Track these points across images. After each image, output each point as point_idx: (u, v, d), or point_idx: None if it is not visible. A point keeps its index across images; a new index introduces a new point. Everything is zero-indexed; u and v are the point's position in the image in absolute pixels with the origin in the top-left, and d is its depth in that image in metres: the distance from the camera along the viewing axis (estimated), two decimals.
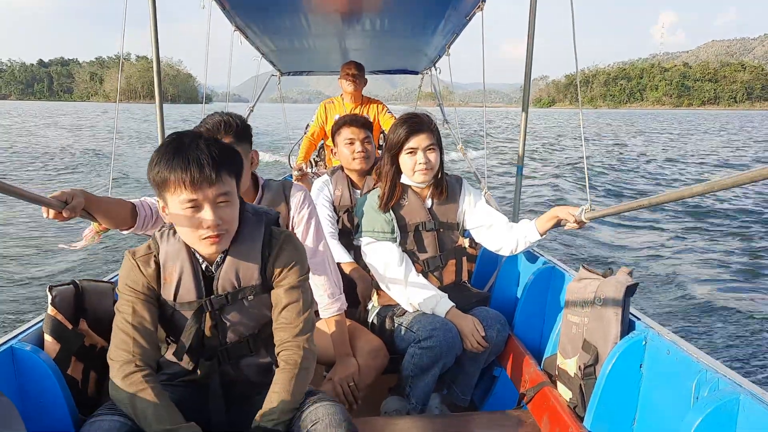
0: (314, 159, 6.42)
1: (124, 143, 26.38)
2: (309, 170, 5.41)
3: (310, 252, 2.53)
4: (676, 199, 1.73)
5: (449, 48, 5.92)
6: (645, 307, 5.98)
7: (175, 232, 1.74)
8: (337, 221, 3.43)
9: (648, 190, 14.99)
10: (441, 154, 2.69)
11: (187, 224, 1.62)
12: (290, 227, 2.59)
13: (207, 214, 1.60)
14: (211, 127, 2.33)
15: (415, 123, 2.61)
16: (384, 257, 2.66)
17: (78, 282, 2.15)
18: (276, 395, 1.66)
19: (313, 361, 1.77)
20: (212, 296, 1.75)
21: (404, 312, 2.68)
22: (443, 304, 2.58)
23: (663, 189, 14.91)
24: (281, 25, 4.98)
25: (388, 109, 5.38)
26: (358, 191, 3.43)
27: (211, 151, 1.60)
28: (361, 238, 2.78)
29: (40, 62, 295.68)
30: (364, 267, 2.97)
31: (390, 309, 2.76)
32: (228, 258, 1.75)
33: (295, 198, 2.59)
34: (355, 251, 3.33)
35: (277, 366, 1.75)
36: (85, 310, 2.12)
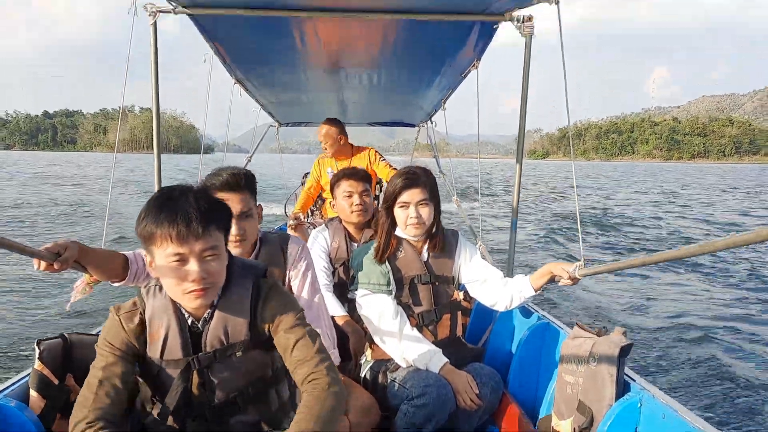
0: (311, 208, 6.41)
1: (126, 194, 26.33)
2: (305, 219, 5.38)
3: (305, 305, 2.48)
4: (669, 259, 1.70)
5: (445, 103, 6.00)
6: (640, 363, 5.86)
7: (161, 288, 1.69)
8: (333, 273, 3.39)
9: (646, 241, 14.96)
10: (437, 208, 2.68)
11: (173, 278, 1.57)
12: (287, 280, 2.56)
13: (193, 267, 1.56)
14: (220, 185, 2.30)
15: (410, 177, 2.61)
16: (379, 309, 2.61)
17: (66, 335, 2.11)
18: (297, 424, 1.51)
19: (343, 390, 1.63)
20: (200, 353, 1.69)
21: (398, 367, 2.61)
22: (437, 360, 2.52)
23: (659, 242, 14.84)
24: (280, 79, 5.05)
25: (382, 156, 5.32)
26: (356, 244, 3.41)
27: (200, 205, 1.57)
28: (356, 290, 2.73)
29: (45, 113, 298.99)
30: (358, 320, 2.92)
31: (383, 364, 2.70)
32: (216, 313, 1.70)
33: (292, 251, 2.57)
34: (349, 304, 3.29)
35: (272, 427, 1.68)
36: (72, 364, 2.07)
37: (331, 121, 5.12)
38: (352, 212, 3.38)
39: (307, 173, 6.35)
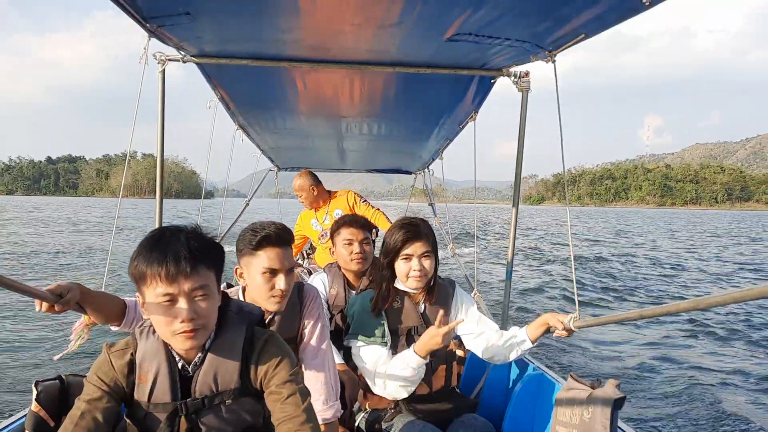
0: (306, 251, 6.40)
1: (129, 239, 26.23)
2: (299, 259, 5.37)
3: (313, 351, 2.46)
4: (662, 314, 1.71)
5: (442, 152, 6.05)
6: (633, 414, 5.78)
7: (154, 331, 1.67)
8: (330, 320, 3.36)
9: (640, 288, 14.88)
10: (436, 260, 2.67)
11: (162, 318, 1.56)
12: (301, 328, 2.52)
13: (182, 306, 1.54)
14: (275, 240, 2.26)
15: (412, 230, 2.60)
16: (373, 360, 2.58)
17: (64, 377, 2.09)
18: None
19: None
20: (188, 399, 1.66)
21: (392, 417, 2.58)
22: (409, 354, 2.48)
23: (654, 292, 14.69)
24: (281, 125, 5.12)
25: (362, 198, 5.30)
26: (354, 291, 3.38)
27: (190, 245, 1.57)
28: (351, 340, 2.70)
29: (48, 159, 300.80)
30: (354, 368, 2.89)
31: (378, 413, 2.66)
32: (207, 358, 1.68)
33: (308, 299, 2.55)
34: (344, 351, 3.25)
35: None
36: (69, 406, 2.02)
37: (302, 175, 5.19)
38: (351, 260, 3.36)
39: None
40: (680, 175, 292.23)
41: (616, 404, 1.96)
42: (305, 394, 1.69)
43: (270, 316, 2.45)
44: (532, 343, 2.58)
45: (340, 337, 3.30)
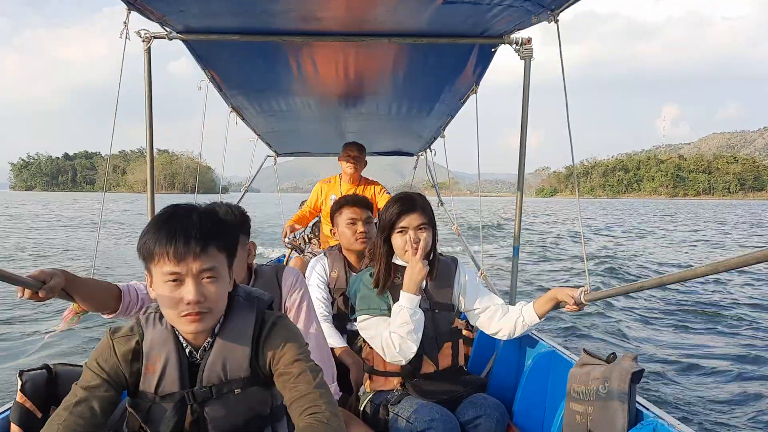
0: (308, 236, 6.29)
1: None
2: (302, 245, 5.24)
3: None
4: (678, 280, 1.58)
5: (444, 130, 5.91)
6: (651, 391, 5.62)
7: (162, 317, 1.58)
8: (332, 304, 3.27)
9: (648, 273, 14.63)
10: (434, 234, 2.56)
11: (168, 299, 1.47)
12: (283, 311, 2.46)
13: (189, 289, 1.46)
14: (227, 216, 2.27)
15: (407, 202, 2.50)
16: (380, 332, 2.47)
17: (51, 366, 1.98)
18: None
19: (343, 427, 1.50)
20: (195, 388, 1.57)
21: (399, 399, 2.46)
22: (401, 297, 2.43)
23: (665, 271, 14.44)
24: (276, 107, 5.00)
25: (386, 190, 5.24)
26: (355, 274, 3.29)
27: (203, 224, 1.48)
28: (355, 318, 2.60)
29: (66, 155, 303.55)
30: (358, 351, 2.79)
31: (383, 396, 2.54)
32: (216, 344, 1.59)
33: (287, 281, 2.50)
34: (348, 336, 3.15)
35: None
36: (57, 396, 1.93)
37: (358, 147, 5.06)
38: (356, 240, 3.29)
39: (303, 201, 6.27)
40: (693, 165, 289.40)
41: (634, 378, 1.83)
42: (316, 370, 1.59)
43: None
44: (540, 318, 2.50)
45: (342, 320, 3.22)
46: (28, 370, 1.90)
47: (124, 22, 2.78)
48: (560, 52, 2.78)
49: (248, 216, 2.43)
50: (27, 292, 1.66)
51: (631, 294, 8.18)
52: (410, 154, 7.92)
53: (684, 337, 7.95)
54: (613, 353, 2.01)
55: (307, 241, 5.97)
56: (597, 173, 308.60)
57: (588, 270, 2.61)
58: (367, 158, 5.26)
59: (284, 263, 6.05)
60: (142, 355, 1.57)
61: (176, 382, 1.57)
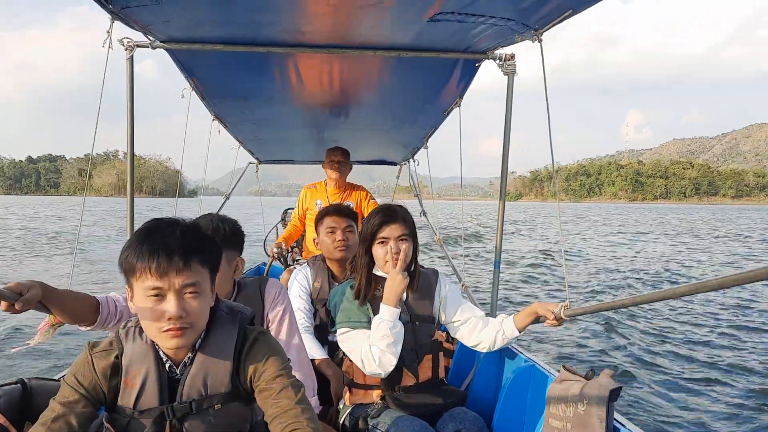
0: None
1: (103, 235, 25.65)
2: (286, 253, 5.14)
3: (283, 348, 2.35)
4: (659, 299, 1.60)
5: (427, 140, 5.90)
6: (627, 407, 5.63)
7: (141, 331, 1.55)
8: (314, 315, 3.24)
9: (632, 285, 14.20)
10: (415, 246, 2.55)
11: (149, 314, 1.45)
12: (265, 323, 2.43)
13: (170, 304, 1.43)
14: (215, 232, 2.23)
15: (388, 213, 2.48)
16: (360, 346, 2.43)
17: (26, 381, 1.93)
18: None
19: None
20: (175, 403, 1.54)
21: (379, 413, 2.44)
22: (381, 309, 2.39)
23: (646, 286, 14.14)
24: (259, 116, 4.91)
25: (372, 196, 5.14)
26: (338, 284, 3.27)
27: (185, 239, 1.46)
28: (336, 330, 2.56)
29: (29, 159, 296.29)
30: (339, 363, 2.76)
31: (363, 409, 2.52)
32: (196, 359, 1.56)
33: (270, 294, 2.46)
34: (329, 347, 3.12)
35: None
36: (32, 412, 1.88)
37: (342, 152, 4.95)
38: (335, 248, 3.25)
39: (288, 209, 6.13)
40: (651, 171, 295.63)
41: (612, 395, 1.85)
42: (298, 386, 1.58)
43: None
44: (519, 331, 2.50)
45: (324, 331, 3.19)
46: (2, 385, 1.85)
47: (107, 32, 2.71)
48: (543, 70, 2.81)
49: (241, 230, 2.38)
50: (3, 304, 1.61)
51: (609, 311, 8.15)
52: (393, 164, 7.84)
53: (663, 350, 7.94)
54: (591, 369, 2.03)
55: (289, 250, 5.84)
56: (560, 177, 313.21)
57: (569, 285, 2.63)
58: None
59: (266, 271, 5.97)
60: (121, 370, 1.54)
61: (155, 397, 1.54)
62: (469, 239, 27.08)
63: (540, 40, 2.76)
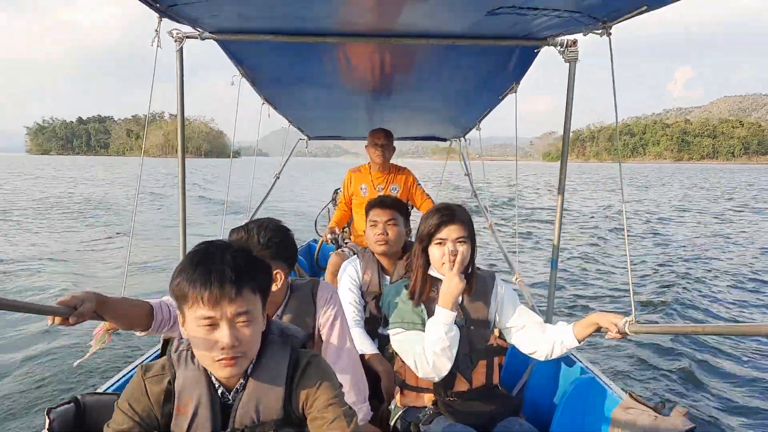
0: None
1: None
2: (338, 237, 5.09)
3: (335, 353, 2.32)
4: (738, 334, 1.46)
5: (480, 122, 5.72)
6: None
7: (193, 356, 1.52)
8: (364, 308, 3.19)
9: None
10: (473, 248, 2.44)
11: (202, 343, 1.42)
12: (316, 328, 2.38)
13: (223, 333, 1.39)
14: (247, 239, 2.18)
15: (447, 214, 2.38)
16: (413, 348, 2.37)
17: (80, 398, 1.92)
18: None
19: None
20: (227, 430, 1.51)
21: (431, 419, 2.39)
22: (436, 312, 2.33)
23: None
24: (309, 99, 4.87)
25: (418, 181, 5.00)
26: (388, 277, 3.21)
27: (237, 265, 1.42)
28: (389, 329, 2.50)
29: (79, 119, 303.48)
30: (390, 358, 2.71)
31: (414, 414, 2.47)
32: (248, 385, 1.52)
33: (322, 298, 2.39)
34: (379, 340, 3.07)
35: None
36: (88, 429, 1.87)
37: (386, 133, 4.81)
38: (375, 242, 3.20)
39: (338, 189, 6.07)
40: (698, 130, 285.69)
41: None
42: (350, 416, 1.54)
43: (277, 314, 2.32)
44: (579, 342, 2.38)
45: (374, 324, 3.14)
46: (56, 407, 1.84)
47: (156, 30, 2.63)
48: (612, 66, 2.60)
49: (290, 237, 2.29)
50: (57, 319, 1.61)
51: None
52: (443, 140, 7.66)
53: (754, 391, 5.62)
54: (661, 402, 1.91)
55: (340, 233, 5.70)
56: (603, 137, 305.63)
57: (634, 296, 2.43)
58: (398, 142, 5.03)
59: (316, 250, 5.92)
60: (173, 396, 1.52)
61: (208, 423, 1.51)
62: (510, 205, 25.74)
63: (609, 34, 2.55)
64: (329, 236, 4.75)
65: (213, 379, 1.53)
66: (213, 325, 1.40)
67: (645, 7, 2.22)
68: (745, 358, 6.12)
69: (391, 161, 4.99)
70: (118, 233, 15.05)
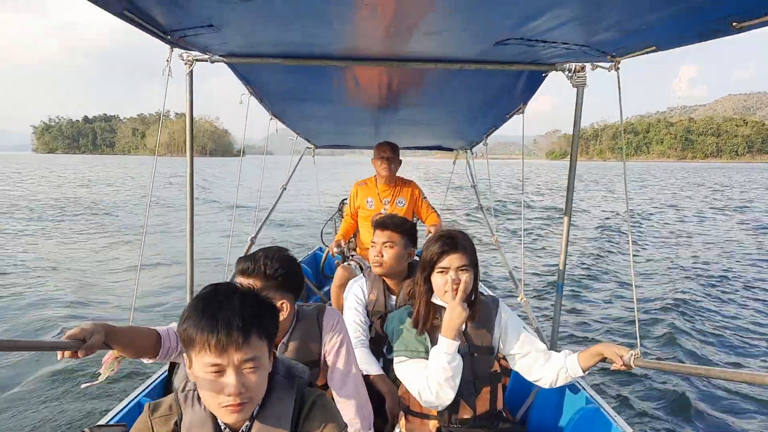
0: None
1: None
2: (345, 250, 5.10)
3: (340, 379, 2.33)
4: (747, 382, 1.46)
5: (486, 138, 5.71)
6: None
7: (200, 398, 1.52)
8: (370, 327, 3.18)
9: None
10: (476, 275, 2.43)
11: (209, 389, 1.41)
12: (322, 354, 2.39)
13: (230, 380, 1.39)
14: (254, 270, 2.18)
15: (449, 242, 2.37)
16: (417, 377, 2.38)
17: (87, 431, 1.93)
18: None
19: None
20: None
21: None
22: (439, 342, 2.33)
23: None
24: (316, 115, 4.90)
25: (424, 195, 4.99)
26: (394, 297, 3.19)
27: (244, 311, 1.41)
28: (392, 356, 2.51)
29: (85, 118, 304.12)
30: (394, 380, 2.70)
31: None
32: (254, 427, 1.52)
33: (328, 323, 2.40)
34: (384, 360, 3.07)
35: None
36: None
37: (392, 147, 4.80)
38: (372, 263, 3.19)
39: (344, 200, 6.09)
40: (702, 128, 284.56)
41: None
42: None
43: (284, 341, 2.32)
44: (583, 372, 2.39)
45: (379, 344, 3.13)
46: None
47: (167, 60, 2.66)
48: (620, 99, 2.59)
49: (296, 268, 2.28)
50: (67, 353, 1.62)
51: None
52: (450, 149, 7.68)
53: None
54: None
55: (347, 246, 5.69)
56: (606, 136, 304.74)
57: (639, 329, 2.42)
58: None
59: (322, 261, 5.92)
60: None
61: None
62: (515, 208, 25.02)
63: (617, 68, 2.54)
64: (335, 249, 4.75)
65: (219, 421, 1.53)
66: (220, 371, 1.40)
67: (654, 47, 2.22)
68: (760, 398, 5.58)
69: (411, 181, 5.03)
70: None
